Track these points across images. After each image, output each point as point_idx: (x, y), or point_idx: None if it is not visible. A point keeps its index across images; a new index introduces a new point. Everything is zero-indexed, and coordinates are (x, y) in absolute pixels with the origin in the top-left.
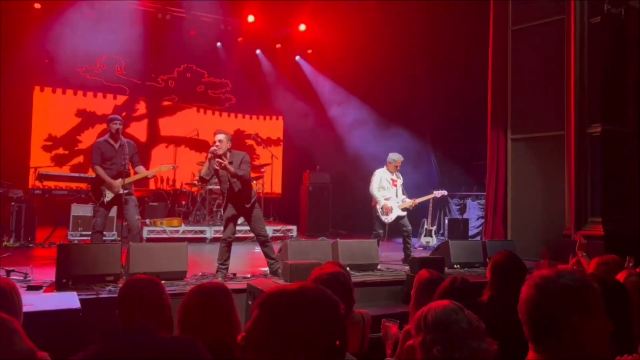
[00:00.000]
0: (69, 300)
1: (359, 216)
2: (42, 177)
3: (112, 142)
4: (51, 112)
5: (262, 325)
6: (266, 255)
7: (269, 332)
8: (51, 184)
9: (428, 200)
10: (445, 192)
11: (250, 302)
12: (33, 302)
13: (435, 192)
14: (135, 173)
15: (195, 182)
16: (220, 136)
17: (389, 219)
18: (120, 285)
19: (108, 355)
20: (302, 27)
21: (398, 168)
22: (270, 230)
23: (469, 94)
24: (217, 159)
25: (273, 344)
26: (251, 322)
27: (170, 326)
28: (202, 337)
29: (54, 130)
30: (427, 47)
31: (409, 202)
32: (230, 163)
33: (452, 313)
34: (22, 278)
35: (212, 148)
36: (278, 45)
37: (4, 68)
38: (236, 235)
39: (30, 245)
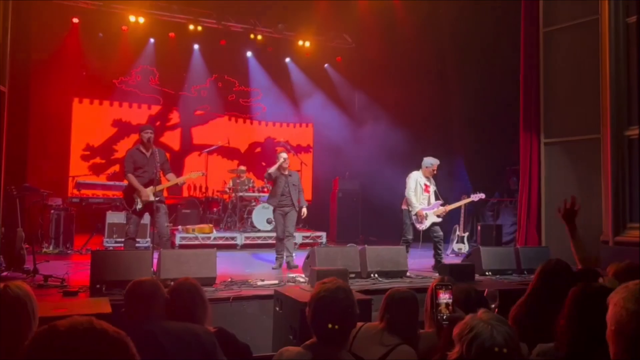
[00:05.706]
0: (101, 305)
1: (389, 222)
2: (79, 186)
3: (144, 150)
4: (89, 122)
5: None
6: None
7: None
8: (88, 192)
9: (460, 207)
10: (482, 195)
11: (277, 308)
12: (67, 306)
13: (472, 195)
14: (167, 181)
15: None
16: (287, 155)
17: (423, 226)
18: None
19: None
20: (332, 35)
21: (434, 172)
22: (300, 236)
23: (502, 97)
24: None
25: None
26: None
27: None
28: None
29: (91, 140)
30: (457, 50)
31: (441, 209)
32: (290, 175)
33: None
34: (59, 284)
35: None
36: (307, 54)
37: (46, 81)
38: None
39: (69, 251)
